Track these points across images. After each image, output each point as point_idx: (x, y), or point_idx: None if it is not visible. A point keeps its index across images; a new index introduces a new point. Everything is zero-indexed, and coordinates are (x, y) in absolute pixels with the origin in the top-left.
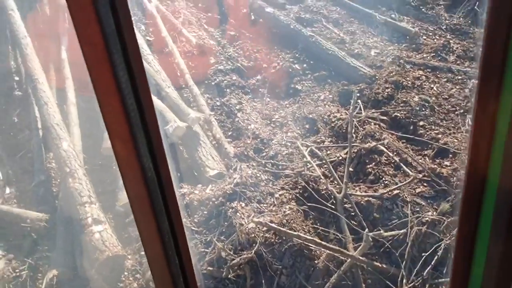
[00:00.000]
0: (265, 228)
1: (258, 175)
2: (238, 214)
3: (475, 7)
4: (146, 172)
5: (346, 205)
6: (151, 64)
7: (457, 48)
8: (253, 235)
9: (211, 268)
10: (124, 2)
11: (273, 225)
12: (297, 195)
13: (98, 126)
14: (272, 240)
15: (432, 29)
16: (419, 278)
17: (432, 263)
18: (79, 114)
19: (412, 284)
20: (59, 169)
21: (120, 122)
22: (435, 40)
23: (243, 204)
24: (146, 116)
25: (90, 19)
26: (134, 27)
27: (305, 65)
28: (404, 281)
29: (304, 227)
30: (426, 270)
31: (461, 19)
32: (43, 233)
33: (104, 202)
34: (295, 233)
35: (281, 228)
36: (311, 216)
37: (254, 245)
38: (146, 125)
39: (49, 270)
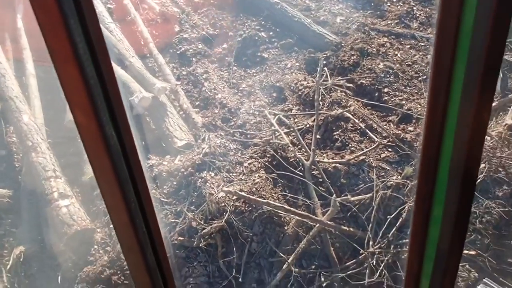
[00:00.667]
0: (234, 197)
1: (227, 144)
2: (207, 184)
3: None
4: (109, 141)
5: (314, 172)
6: (113, 32)
7: (420, 14)
8: (223, 204)
9: (182, 238)
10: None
11: (242, 193)
12: (266, 163)
13: (60, 98)
14: (242, 208)
15: None
16: (384, 240)
17: (397, 225)
18: (39, 85)
19: (378, 245)
20: (21, 143)
21: (79, 90)
22: (399, 7)
23: (213, 174)
24: (106, 84)
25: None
26: None
27: (271, 33)
28: (371, 243)
29: (273, 194)
30: (391, 232)
31: None
32: (6, 209)
33: (69, 175)
34: (264, 200)
35: (251, 196)
36: (280, 184)
37: (224, 214)
38: (107, 93)
39: (16, 247)
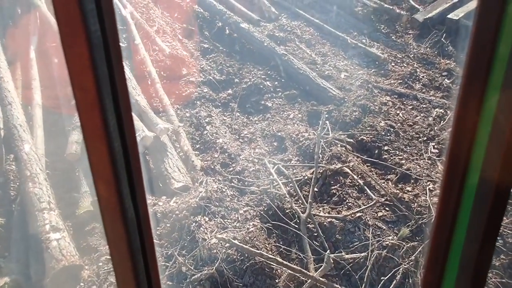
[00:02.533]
0: (227, 244)
1: (224, 190)
2: (201, 228)
3: (442, 38)
4: (126, 213)
5: (309, 225)
6: None
7: (423, 76)
8: (215, 251)
9: (170, 283)
10: (118, 50)
11: (236, 242)
12: (262, 212)
13: (63, 130)
14: (234, 257)
15: (400, 56)
16: None
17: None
18: (44, 116)
19: None
20: (19, 172)
21: (105, 164)
22: (402, 67)
23: (207, 219)
24: (130, 158)
25: (85, 66)
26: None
27: (276, 83)
28: None
29: (267, 245)
30: None
31: (428, 49)
32: None
33: (64, 209)
34: (257, 251)
35: (244, 246)
36: (274, 234)
37: (215, 261)
38: (130, 166)
39: (0, 277)
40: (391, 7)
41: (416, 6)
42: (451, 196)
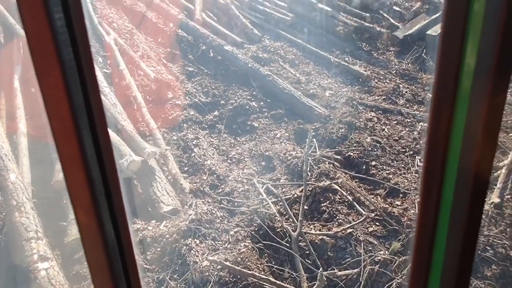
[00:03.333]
0: (219, 266)
1: (214, 211)
2: (192, 251)
3: (423, 54)
4: (107, 239)
5: (301, 244)
6: (108, 96)
7: (406, 92)
8: (207, 273)
9: None
10: (93, 78)
11: (227, 263)
12: (253, 232)
13: (50, 158)
14: (227, 278)
15: (383, 73)
16: None
17: None
18: (30, 145)
19: None
20: (5, 202)
21: (84, 192)
22: (385, 83)
23: (198, 241)
24: (109, 184)
25: (60, 96)
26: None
27: (262, 103)
28: None
29: (259, 265)
30: None
31: (409, 65)
32: None
33: (52, 237)
34: (249, 272)
35: (236, 267)
36: (266, 254)
37: (208, 283)
38: (109, 192)
39: None
40: (372, 25)
41: (396, 23)
42: (430, 197)
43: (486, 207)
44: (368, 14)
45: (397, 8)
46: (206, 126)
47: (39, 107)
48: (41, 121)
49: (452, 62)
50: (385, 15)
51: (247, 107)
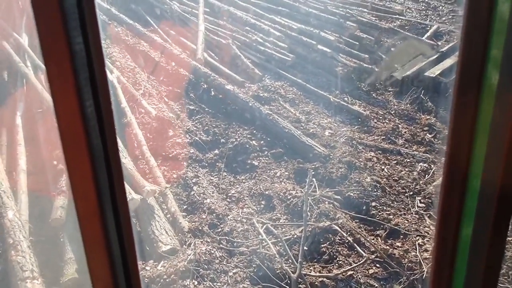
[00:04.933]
0: None
1: (212, 251)
2: None
3: (421, 95)
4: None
5: (300, 286)
6: None
7: (405, 132)
8: None
9: None
10: (118, 163)
11: None
12: (252, 274)
13: (48, 194)
14: None
15: (382, 113)
16: None
17: None
18: (29, 181)
19: None
20: (2, 240)
21: (105, 271)
22: (385, 123)
23: (196, 283)
24: (128, 263)
25: (87, 178)
26: None
27: (262, 142)
28: None
29: None
30: None
31: (408, 105)
32: None
33: (48, 276)
34: None
35: None
36: None
37: None
38: (128, 271)
39: None
40: (370, 66)
41: (395, 65)
42: (451, 210)
43: None
44: (367, 55)
45: (395, 50)
46: (206, 164)
47: (40, 145)
48: (41, 157)
49: (472, 78)
50: (383, 56)
51: (247, 145)
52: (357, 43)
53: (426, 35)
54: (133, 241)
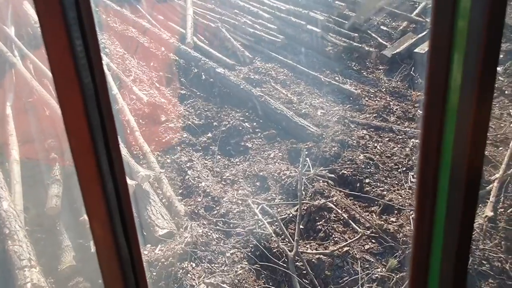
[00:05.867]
0: None
1: (209, 233)
2: (188, 275)
3: (411, 72)
4: (120, 252)
5: (298, 263)
6: None
7: (396, 109)
8: None
9: None
10: (107, 100)
11: (224, 286)
12: (249, 254)
13: (42, 184)
14: None
15: (373, 91)
16: None
17: None
18: (23, 171)
19: None
20: None
21: (100, 205)
22: (376, 101)
23: (194, 265)
24: (121, 198)
25: (79, 115)
26: None
27: (255, 124)
28: None
29: (256, 286)
30: None
31: (399, 82)
32: None
33: (45, 265)
34: None
35: None
36: (263, 275)
37: None
38: (122, 206)
39: None
40: (360, 45)
41: (384, 43)
42: (425, 211)
43: (480, 221)
44: (356, 34)
45: (385, 28)
46: (200, 148)
47: (31, 133)
48: (34, 146)
49: (439, 78)
50: (373, 34)
51: (240, 128)
52: (346, 22)
53: (415, 12)
54: (125, 176)
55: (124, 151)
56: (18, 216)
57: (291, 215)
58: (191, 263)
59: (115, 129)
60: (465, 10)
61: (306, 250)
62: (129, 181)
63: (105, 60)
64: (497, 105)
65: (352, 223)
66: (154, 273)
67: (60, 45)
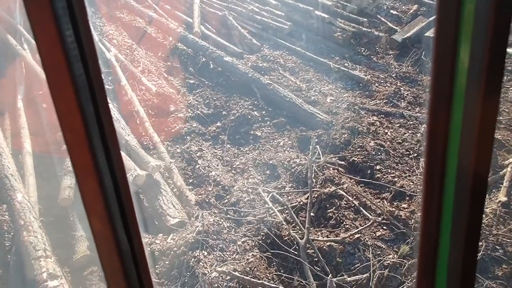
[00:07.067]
0: (228, 277)
1: (220, 222)
2: (200, 263)
3: (422, 56)
4: (121, 246)
5: (309, 251)
6: (111, 112)
7: (407, 94)
8: (216, 284)
9: None
10: (102, 91)
11: (236, 273)
12: (260, 242)
13: (55, 176)
14: None
15: (383, 77)
16: None
17: None
18: (35, 163)
19: None
20: (13, 222)
21: (98, 200)
22: (386, 87)
23: (206, 253)
24: (121, 192)
25: (72, 109)
26: None
27: (264, 112)
28: None
29: (268, 274)
30: None
31: (409, 67)
32: None
33: (60, 255)
34: (259, 281)
35: (245, 277)
36: (274, 263)
37: None
38: (121, 200)
39: None
40: (369, 30)
41: (394, 27)
42: (433, 197)
43: (494, 206)
44: (365, 19)
45: (394, 12)
46: (209, 138)
47: (43, 125)
48: (45, 138)
49: (446, 62)
50: (382, 19)
51: (249, 116)
52: (355, 7)
53: None
54: (124, 170)
55: (134, 142)
56: (32, 207)
57: (301, 203)
58: (203, 251)
59: (112, 122)
60: None
61: (317, 237)
62: (139, 172)
63: (113, 51)
64: (511, 88)
65: (363, 210)
66: (167, 262)
67: (50, 36)
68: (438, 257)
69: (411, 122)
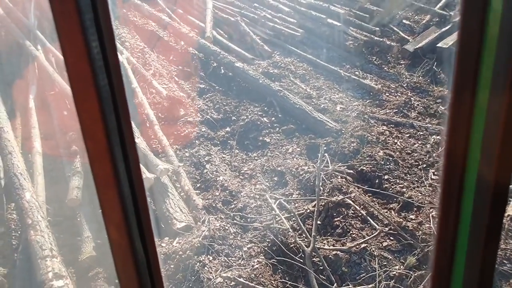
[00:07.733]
0: (233, 283)
1: (227, 227)
2: (205, 268)
3: (433, 67)
4: (137, 255)
5: (314, 259)
6: None
7: (418, 105)
8: None
9: None
10: (124, 102)
11: (241, 280)
12: (266, 248)
13: (64, 176)
14: None
15: (394, 86)
16: None
17: None
18: (45, 163)
19: None
20: (20, 221)
21: (116, 210)
22: (397, 97)
23: (211, 258)
24: (138, 203)
25: (95, 119)
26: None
27: (273, 118)
28: None
29: (273, 281)
30: None
31: (420, 77)
32: None
33: (66, 255)
34: None
35: (249, 283)
36: (279, 270)
37: None
38: (138, 210)
39: None
40: (381, 39)
41: (406, 37)
42: (450, 212)
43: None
44: (377, 28)
45: (407, 22)
46: (218, 142)
47: (53, 126)
48: (55, 139)
49: (468, 76)
50: (395, 28)
51: (259, 122)
52: (368, 15)
53: (438, 5)
54: (142, 180)
55: (143, 144)
56: (40, 207)
57: (308, 210)
58: (208, 256)
59: (132, 132)
60: (496, 2)
61: (323, 246)
62: (148, 174)
63: (125, 54)
64: None
65: (370, 219)
66: (172, 266)
67: (77, 47)
68: (453, 274)
69: (421, 133)
